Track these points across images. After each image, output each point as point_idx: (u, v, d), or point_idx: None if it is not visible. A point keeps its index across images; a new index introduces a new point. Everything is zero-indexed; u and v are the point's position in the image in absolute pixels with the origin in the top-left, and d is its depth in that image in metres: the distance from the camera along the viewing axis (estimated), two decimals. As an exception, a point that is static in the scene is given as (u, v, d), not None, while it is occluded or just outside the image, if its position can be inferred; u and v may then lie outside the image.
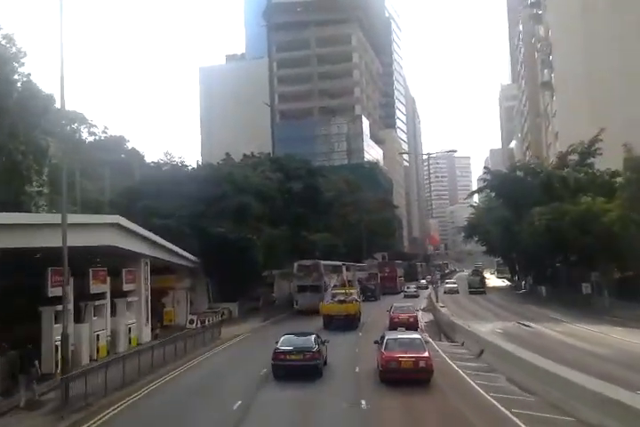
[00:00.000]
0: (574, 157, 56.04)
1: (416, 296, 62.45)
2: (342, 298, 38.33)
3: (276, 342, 21.96)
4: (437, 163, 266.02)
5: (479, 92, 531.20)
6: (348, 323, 36.13)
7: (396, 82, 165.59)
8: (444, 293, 59.42)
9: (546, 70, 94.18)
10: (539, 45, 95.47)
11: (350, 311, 36.86)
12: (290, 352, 20.83)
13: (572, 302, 49.89)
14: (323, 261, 54.70)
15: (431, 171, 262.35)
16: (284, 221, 58.03)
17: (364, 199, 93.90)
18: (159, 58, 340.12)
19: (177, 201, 45.02)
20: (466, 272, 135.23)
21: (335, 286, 49.86)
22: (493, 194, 62.68)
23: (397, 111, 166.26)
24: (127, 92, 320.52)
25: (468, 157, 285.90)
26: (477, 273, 72.38)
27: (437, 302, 46.05)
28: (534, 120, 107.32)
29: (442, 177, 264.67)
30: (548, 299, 56.09)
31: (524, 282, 76.44)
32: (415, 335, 22.46)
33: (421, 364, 19.27)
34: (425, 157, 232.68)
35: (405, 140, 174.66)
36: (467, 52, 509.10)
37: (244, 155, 64.55)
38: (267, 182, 54.86)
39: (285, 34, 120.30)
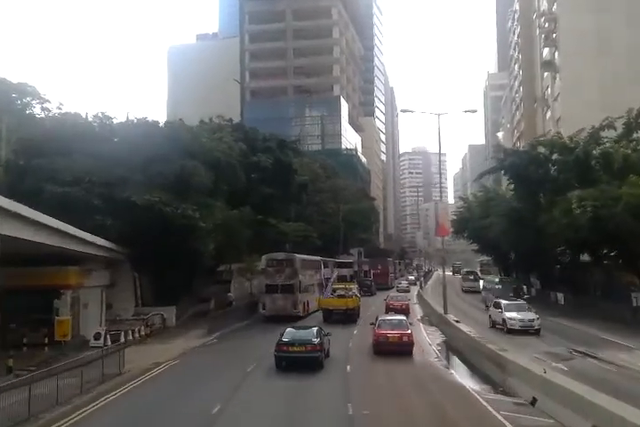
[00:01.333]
0: (607, 133, 43.52)
1: (408, 291, 63.78)
2: (342, 293, 39.01)
3: (280, 335, 21.76)
4: (412, 158, 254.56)
5: (460, 87, 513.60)
6: (347, 317, 36.50)
7: (376, 68, 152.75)
8: (501, 326, 32.50)
9: (548, 49, 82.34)
10: (542, 20, 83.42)
11: (350, 305, 37.13)
12: (292, 344, 21.07)
13: (616, 317, 37.14)
14: (299, 255, 42.94)
15: (405, 166, 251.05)
16: (246, 203, 44.75)
17: (342, 187, 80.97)
18: (128, 37, 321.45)
19: (92, 163, 31.13)
20: (442, 272, 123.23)
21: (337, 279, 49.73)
22: (508, 177, 49.56)
23: (376, 100, 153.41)
24: (93, 71, 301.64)
25: (444, 154, 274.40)
26: (505, 280, 55.98)
27: (446, 312, 33.02)
28: (530, 106, 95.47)
29: (417, 173, 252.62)
30: (574, 310, 42.89)
31: (525, 286, 63.91)
32: (401, 317, 27.07)
33: (404, 338, 24.31)
34: (404, 151, 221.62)
35: (383, 131, 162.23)
36: (448, 43, 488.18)
37: (201, 120, 50.72)
38: (225, 150, 41.21)
39: (259, 4, 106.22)
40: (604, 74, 68.67)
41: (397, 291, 60.62)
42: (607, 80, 67.80)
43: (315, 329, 22.58)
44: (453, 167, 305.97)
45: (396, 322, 25.42)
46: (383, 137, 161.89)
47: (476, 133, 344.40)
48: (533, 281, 60.92)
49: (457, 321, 29.87)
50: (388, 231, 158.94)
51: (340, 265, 64.13)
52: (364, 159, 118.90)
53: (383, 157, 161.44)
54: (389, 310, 37.36)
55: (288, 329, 22.38)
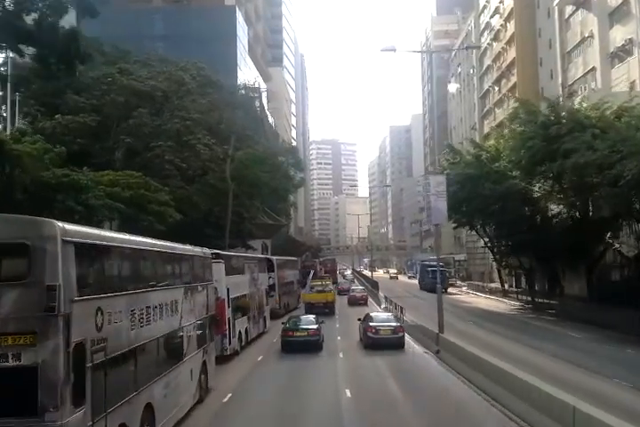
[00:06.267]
0: None
1: (353, 281, 71.48)
2: (321, 288, 39.91)
3: (283, 323, 23.60)
4: (320, 148, 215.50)
5: (375, 68, 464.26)
6: (326, 309, 37.52)
7: (284, 19, 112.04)
8: None
9: None
10: None
11: (329, 299, 38.73)
12: (296, 329, 22.57)
13: None
14: (86, 231, 7.72)
15: (315, 157, 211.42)
16: None
17: (232, 111, 38.86)
18: None
19: None
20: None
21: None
22: None
23: (285, 59, 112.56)
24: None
25: (354, 144, 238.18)
26: None
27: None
28: (526, 20, 58.27)
29: (325, 164, 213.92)
30: None
31: None
32: (362, 287, 52.39)
33: (363, 297, 44.65)
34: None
35: (294, 100, 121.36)
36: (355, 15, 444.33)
37: None
38: None
39: None
40: None
41: (345, 279, 73.53)
42: None
43: (313, 317, 24.53)
44: (367, 155, 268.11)
45: (359, 290, 48.26)
46: (294, 108, 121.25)
47: (396, 112, 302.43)
48: None
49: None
50: (298, 224, 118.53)
51: (280, 266, 40.25)
52: (270, 119, 77.67)
53: (293, 133, 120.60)
54: (341, 290, 53.38)
55: (291, 318, 24.37)
